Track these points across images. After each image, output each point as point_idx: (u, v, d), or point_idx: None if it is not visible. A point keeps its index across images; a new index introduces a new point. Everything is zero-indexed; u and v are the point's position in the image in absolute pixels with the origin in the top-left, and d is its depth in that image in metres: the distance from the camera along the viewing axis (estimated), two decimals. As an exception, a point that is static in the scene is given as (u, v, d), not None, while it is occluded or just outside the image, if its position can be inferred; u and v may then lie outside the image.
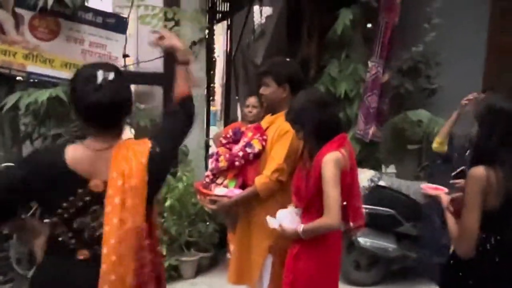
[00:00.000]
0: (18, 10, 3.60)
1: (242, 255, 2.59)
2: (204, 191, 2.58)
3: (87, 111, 1.54)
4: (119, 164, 1.54)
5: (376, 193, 4.05)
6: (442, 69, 4.84)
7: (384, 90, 4.71)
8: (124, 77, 1.62)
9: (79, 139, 1.65)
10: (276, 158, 2.43)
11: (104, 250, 1.48)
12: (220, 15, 6.45)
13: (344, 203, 2.29)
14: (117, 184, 1.51)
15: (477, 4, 5.09)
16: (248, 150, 2.51)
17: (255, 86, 5.78)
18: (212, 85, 7.57)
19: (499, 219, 1.88)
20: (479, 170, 1.86)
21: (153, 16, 4.03)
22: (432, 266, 3.52)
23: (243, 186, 2.53)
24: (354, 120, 4.73)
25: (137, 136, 4.89)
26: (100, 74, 1.52)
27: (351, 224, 2.36)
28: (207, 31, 5.01)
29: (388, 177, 4.43)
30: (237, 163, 2.52)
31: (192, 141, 4.40)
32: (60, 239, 1.56)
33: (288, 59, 2.64)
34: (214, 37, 6.90)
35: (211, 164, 2.64)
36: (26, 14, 3.63)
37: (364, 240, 4.06)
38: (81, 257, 1.55)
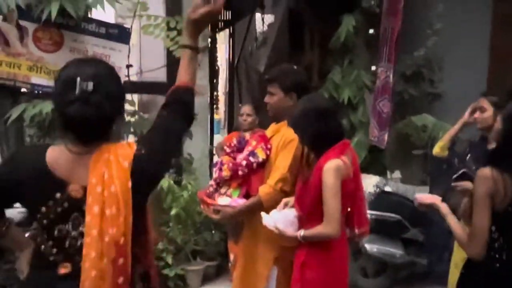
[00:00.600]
0: (22, 23, 3.62)
1: (247, 266, 2.56)
2: (208, 200, 2.55)
3: (62, 121, 1.44)
4: (99, 168, 1.41)
5: (382, 199, 4.03)
6: (446, 74, 4.84)
7: (390, 96, 4.71)
8: (111, 82, 1.47)
9: None
10: (280, 167, 2.41)
11: (86, 264, 1.37)
12: (222, 23, 6.48)
13: (348, 209, 2.28)
14: (97, 191, 1.39)
15: (479, 8, 5.08)
16: (252, 159, 2.48)
17: (258, 94, 5.80)
18: (215, 93, 7.58)
19: (506, 220, 1.88)
20: (486, 171, 1.88)
21: (156, 26, 4.04)
22: (440, 272, 3.49)
23: (247, 196, 2.51)
24: (358, 127, 4.72)
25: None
26: (78, 83, 1.38)
27: (356, 230, 2.36)
28: (209, 39, 5.03)
29: (394, 183, 4.41)
30: (240, 172, 2.49)
31: (196, 149, 4.41)
32: (42, 249, 1.47)
33: (295, 67, 2.61)
34: (217, 45, 6.93)
35: (214, 173, 2.62)
36: (30, 26, 3.65)
37: (370, 247, 4.04)
38: (62, 271, 1.44)
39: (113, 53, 3.90)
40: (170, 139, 1.54)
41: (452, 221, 2.05)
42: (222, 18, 6.39)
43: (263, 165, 2.49)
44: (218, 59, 8.21)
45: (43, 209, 1.43)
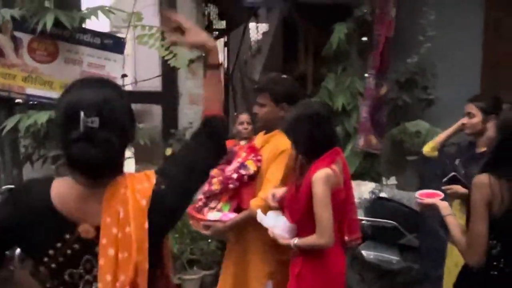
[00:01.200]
0: (17, 34, 3.64)
1: (238, 282, 2.48)
2: (197, 216, 2.43)
3: (66, 159, 1.29)
4: (113, 206, 1.26)
5: (378, 205, 4.03)
6: (439, 80, 4.87)
7: (383, 102, 4.74)
8: (120, 110, 1.29)
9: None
10: (272, 179, 2.33)
11: None
12: (217, 32, 6.52)
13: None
14: (112, 232, 1.24)
15: (472, 15, 5.14)
16: (243, 171, 2.39)
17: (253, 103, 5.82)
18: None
19: (503, 227, 1.87)
20: (483, 178, 1.87)
21: (150, 36, 4.07)
22: (436, 277, 3.50)
23: (238, 210, 2.42)
24: (352, 134, 4.74)
25: (137, 156, 4.93)
26: (82, 119, 1.20)
27: (346, 237, 2.34)
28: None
29: (389, 189, 4.42)
30: (231, 185, 2.39)
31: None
32: None
33: (285, 76, 2.54)
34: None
35: (204, 187, 2.49)
36: (25, 37, 3.66)
37: (367, 253, 4.03)
38: None
39: (108, 63, 3.92)
40: (195, 174, 1.40)
41: (452, 223, 2.00)
42: (217, 27, 6.43)
43: (254, 177, 2.41)
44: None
45: (51, 252, 1.27)
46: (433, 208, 2.12)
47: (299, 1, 5.04)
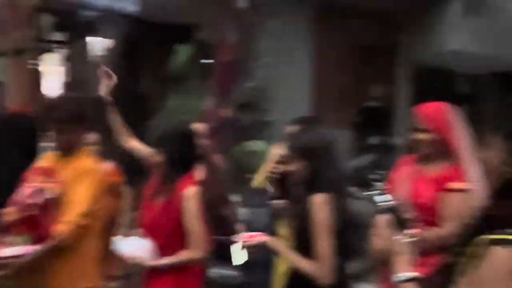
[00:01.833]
0: None
1: None
2: None
3: None
4: None
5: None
6: (276, 103, 5.26)
7: (225, 123, 4.93)
8: None
9: None
10: (79, 201, 2.13)
11: None
12: (53, 44, 6.10)
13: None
14: None
15: (302, 44, 5.69)
16: (40, 196, 2.13)
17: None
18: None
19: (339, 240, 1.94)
20: (322, 197, 1.89)
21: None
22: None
23: (39, 240, 2.10)
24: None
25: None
26: None
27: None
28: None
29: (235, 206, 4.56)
30: (26, 213, 2.09)
31: None
32: None
33: (77, 95, 2.43)
34: (49, 67, 6.46)
35: None
36: None
37: (212, 272, 4.09)
38: None
39: None
40: None
41: (292, 256, 1.97)
42: (54, 39, 6.02)
43: (55, 202, 2.16)
44: (51, 81, 7.66)
45: None
46: (264, 247, 2.05)
47: (141, 19, 5.00)
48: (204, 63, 4.90)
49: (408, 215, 1.26)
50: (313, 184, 1.95)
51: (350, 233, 2.02)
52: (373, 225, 1.26)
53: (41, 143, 2.56)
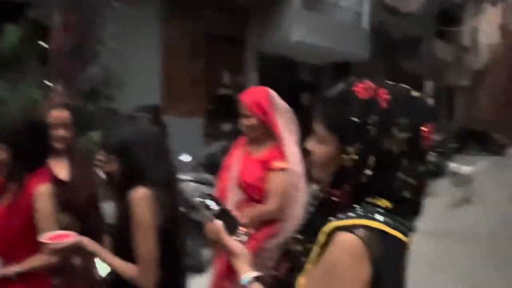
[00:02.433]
0: None
1: None
2: None
3: None
4: None
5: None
6: (124, 90, 5.03)
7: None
8: None
9: None
10: None
11: None
12: None
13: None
14: None
15: (150, 31, 5.53)
16: None
17: None
18: None
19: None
20: (142, 191, 1.70)
21: None
22: None
23: None
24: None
25: None
26: None
27: None
28: None
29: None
30: None
31: None
32: None
33: None
34: None
35: None
36: None
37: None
38: None
39: None
40: None
41: (111, 258, 1.72)
42: None
43: None
44: None
45: None
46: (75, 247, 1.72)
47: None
48: (39, 45, 4.43)
49: (236, 216, 1.25)
50: (132, 180, 1.72)
51: (180, 230, 1.81)
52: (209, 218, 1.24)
53: None
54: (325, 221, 0.96)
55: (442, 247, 5.16)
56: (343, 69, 11.33)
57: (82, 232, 1.82)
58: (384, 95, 0.94)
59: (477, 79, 20.59)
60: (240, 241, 1.18)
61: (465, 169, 8.03)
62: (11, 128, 1.94)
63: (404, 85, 0.99)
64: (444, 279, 4.18)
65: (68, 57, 4.44)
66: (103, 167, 1.84)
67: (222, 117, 8.09)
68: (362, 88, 0.96)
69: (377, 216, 0.92)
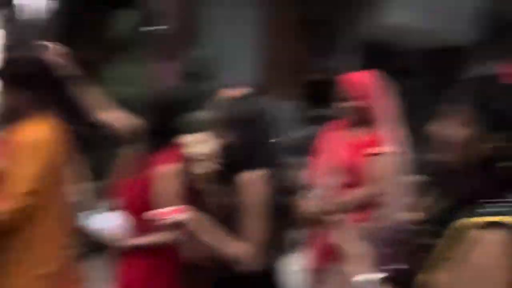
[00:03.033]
0: None
1: None
2: None
3: None
4: None
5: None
6: (222, 74, 5.18)
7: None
8: None
9: None
10: (21, 178, 1.90)
11: None
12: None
13: None
14: None
15: (248, 14, 5.60)
16: None
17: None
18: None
19: None
20: (254, 174, 1.67)
21: None
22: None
23: None
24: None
25: None
26: None
27: None
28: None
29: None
30: None
31: None
32: None
33: (27, 55, 2.10)
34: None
35: None
36: None
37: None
38: None
39: None
40: None
41: (218, 235, 1.67)
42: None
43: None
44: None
45: None
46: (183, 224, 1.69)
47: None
48: (147, 30, 4.70)
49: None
50: (243, 162, 1.69)
51: (285, 211, 1.78)
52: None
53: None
54: (453, 214, 0.90)
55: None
56: (445, 54, 10.59)
57: None
58: None
59: None
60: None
61: None
62: (154, 105, 1.99)
63: None
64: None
65: (172, 41, 4.66)
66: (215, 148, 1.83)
67: (316, 102, 8.00)
68: (506, 72, 0.89)
69: None
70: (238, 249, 1.64)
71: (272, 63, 6.27)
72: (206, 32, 4.94)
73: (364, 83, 2.20)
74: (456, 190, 0.99)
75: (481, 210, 0.87)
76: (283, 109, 6.28)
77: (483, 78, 0.94)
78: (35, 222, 1.96)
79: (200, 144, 2.08)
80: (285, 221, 1.81)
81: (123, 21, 4.51)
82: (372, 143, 2.14)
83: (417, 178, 1.96)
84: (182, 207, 1.70)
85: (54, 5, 6.03)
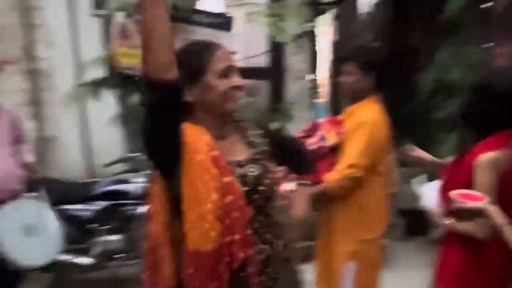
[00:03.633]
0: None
1: (323, 260, 2.36)
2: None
3: None
4: None
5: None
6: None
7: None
8: None
9: None
10: (350, 152, 2.18)
11: None
12: (325, 6, 6.42)
13: None
14: None
15: None
16: (321, 144, 2.25)
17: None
18: (315, 76, 7.54)
19: None
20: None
21: (258, 13, 4.18)
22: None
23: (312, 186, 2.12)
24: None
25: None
26: None
27: None
28: (311, 23, 5.06)
29: None
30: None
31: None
32: None
33: (375, 44, 2.41)
34: (321, 28, 6.90)
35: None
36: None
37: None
38: None
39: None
40: None
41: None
42: (325, 1, 6.33)
43: (335, 150, 2.26)
44: (322, 42, 8.15)
45: None
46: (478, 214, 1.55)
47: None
48: (482, 8, 4.36)
49: None
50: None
51: None
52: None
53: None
54: None
55: None
56: None
57: None
58: None
59: None
60: None
61: None
62: (484, 86, 1.81)
63: None
64: None
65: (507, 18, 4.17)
66: None
67: None
68: None
69: None
70: None
71: None
72: None
73: None
74: None
75: None
76: None
77: None
78: (363, 191, 2.22)
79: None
80: None
81: (455, 1, 4.32)
82: None
83: None
84: (481, 195, 1.57)
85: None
